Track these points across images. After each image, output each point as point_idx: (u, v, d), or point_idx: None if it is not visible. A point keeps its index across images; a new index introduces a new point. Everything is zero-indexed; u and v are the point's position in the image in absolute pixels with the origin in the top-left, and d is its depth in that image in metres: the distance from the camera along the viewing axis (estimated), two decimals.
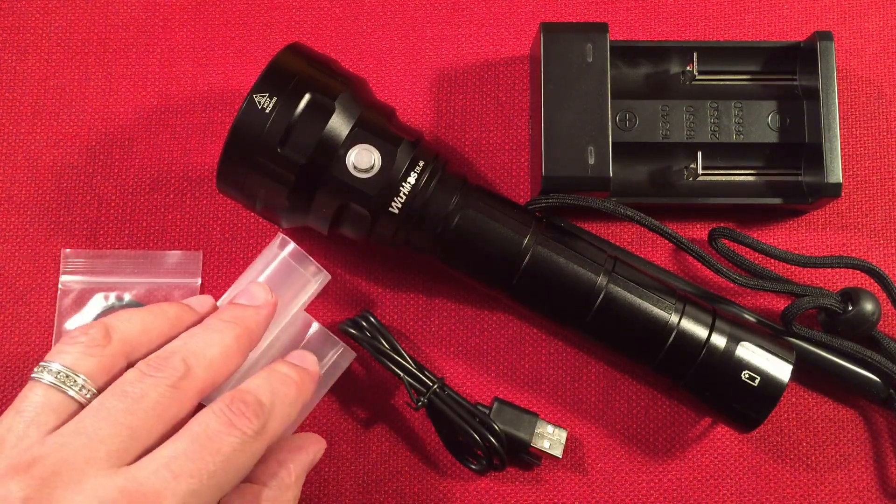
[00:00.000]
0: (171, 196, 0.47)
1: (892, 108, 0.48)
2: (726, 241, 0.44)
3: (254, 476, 0.33)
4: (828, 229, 0.47)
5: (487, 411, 0.43)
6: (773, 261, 0.44)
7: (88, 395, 0.31)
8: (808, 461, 0.45)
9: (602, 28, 0.43)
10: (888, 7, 0.49)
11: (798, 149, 0.45)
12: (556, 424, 0.43)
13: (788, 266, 0.45)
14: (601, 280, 0.40)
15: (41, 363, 0.32)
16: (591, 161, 0.42)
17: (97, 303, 0.45)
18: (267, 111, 0.37)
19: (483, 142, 0.48)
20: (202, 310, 0.38)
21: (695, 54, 0.45)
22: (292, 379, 0.35)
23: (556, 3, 0.49)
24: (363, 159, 0.38)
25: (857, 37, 0.49)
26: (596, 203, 0.41)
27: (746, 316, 0.44)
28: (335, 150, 0.38)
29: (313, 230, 0.42)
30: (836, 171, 0.43)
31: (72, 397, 0.31)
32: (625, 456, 0.45)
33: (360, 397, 0.45)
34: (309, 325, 0.42)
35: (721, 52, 0.46)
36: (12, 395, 0.44)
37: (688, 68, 0.45)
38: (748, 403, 0.40)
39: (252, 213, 0.46)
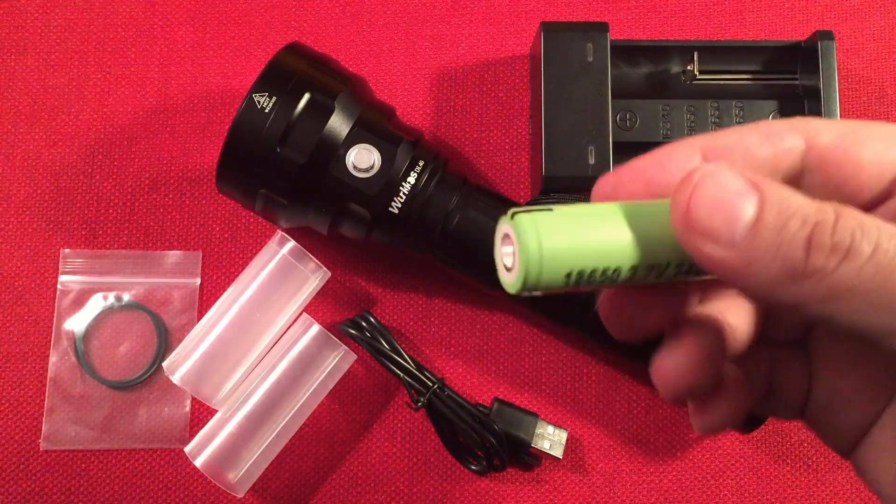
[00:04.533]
0: (171, 196, 0.46)
1: (893, 107, 0.48)
2: None
3: None
4: None
5: (487, 411, 0.42)
6: None
7: None
8: (809, 461, 0.45)
9: (602, 27, 0.43)
10: (889, 6, 0.49)
11: None
12: (557, 425, 0.43)
13: None
14: None
15: None
16: (592, 161, 0.41)
17: (96, 303, 0.45)
18: (266, 111, 0.37)
19: (483, 142, 0.47)
20: None
21: (695, 54, 0.45)
22: None
23: (557, 2, 0.49)
24: (363, 159, 0.38)
25: (858, 36, 0.49)
26: None
27: None
28: (335, 150, 0.38)
29: (313, 230, 0.42)
30: None
31: None
32: (625, 456, 0.45)
33: (360, 397, 0.45)
34: (309, 327, 0.42)
35: (722, 51, 0.46)
36: (11, 396, 0.44)
37: (688, 68, 0.45)
38: None
39: (251, 213, 0.46)
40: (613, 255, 0.22)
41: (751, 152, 0.22)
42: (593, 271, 0.21)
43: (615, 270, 0.22)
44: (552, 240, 0.21)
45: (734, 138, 0.23)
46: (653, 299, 0.25)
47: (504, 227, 0.22)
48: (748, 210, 0.20)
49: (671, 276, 0.23)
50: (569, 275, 0.21)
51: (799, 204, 0.20)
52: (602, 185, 0.24)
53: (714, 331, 0.24)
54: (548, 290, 0.22)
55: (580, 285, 0.22)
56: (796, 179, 0.23)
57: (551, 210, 0.22)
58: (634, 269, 0.22)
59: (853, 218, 0.19)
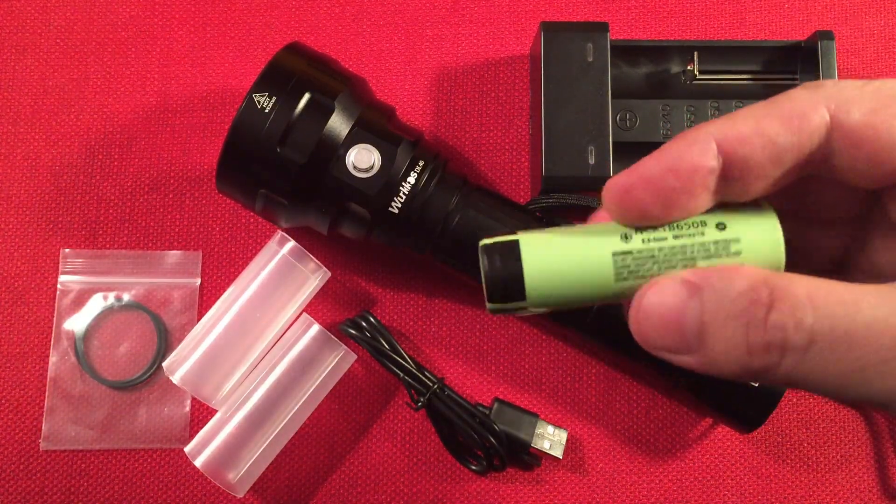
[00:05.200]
0: (171, 196, 0.46)
1: None
2: None
3: None
4: None
5: (487, 412, 0.42)
6: None
7: None
8: (809, 461, 0.45)
9: (602, 27, 0.43)
10: (889, 6, 0.49)
11: None
12: (557, 425, 0.43)
13: None
14: None
15: None
16: (592, 161, 0.41)
17: (96, 303, 0.45)
18: (266, 111, 0.37)
19: (483, 142, 0.47)
20: None
21: (695, 54, 0.45)
22: None
23: (557, 2, 0.49)
24: (363, 159, 0.38)
25: (858, 36, 0.49)
26: (596, 203, 0.41)
27: None
28: (335, 150, 0.38)
29: (313, 230, 0.42)
30: None
31: None
32: (625, 456, 0.45)
33: (360, 398, 0.45)
34: (309, 327, 0.42)
35: (722, 51, 0.46)
36: (11, 396, 0.44)
37: (688, 68, 0.45)
38: (749, 404, 0.39)
39: (251, 213, 0.46)
40: (585, 292, 0.23)
41: (772, 142, 0.21)
42: (557, 304, 0.23)
43: (589, 300, 0.23)
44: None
45: (752, 126, 0.21)
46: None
47: (480, 254, 0.23)
48: (692, 321, 0.20)
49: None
50: (535, 307, 0.23)
51: (734, 296, 0.20)
52: (611, 193, 0.22)
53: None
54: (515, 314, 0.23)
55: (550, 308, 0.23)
56: (825, 159, 0.21)
57: (520, 259, 0.23)
58: (591, 302, 0.23)
59: (786, 306, 0.19)
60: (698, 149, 0.21)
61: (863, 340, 0.19)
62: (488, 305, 0.23)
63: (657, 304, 0.21)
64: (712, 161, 0.21)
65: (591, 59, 0.42)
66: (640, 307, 0.21)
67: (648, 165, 0.21)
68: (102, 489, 0.44)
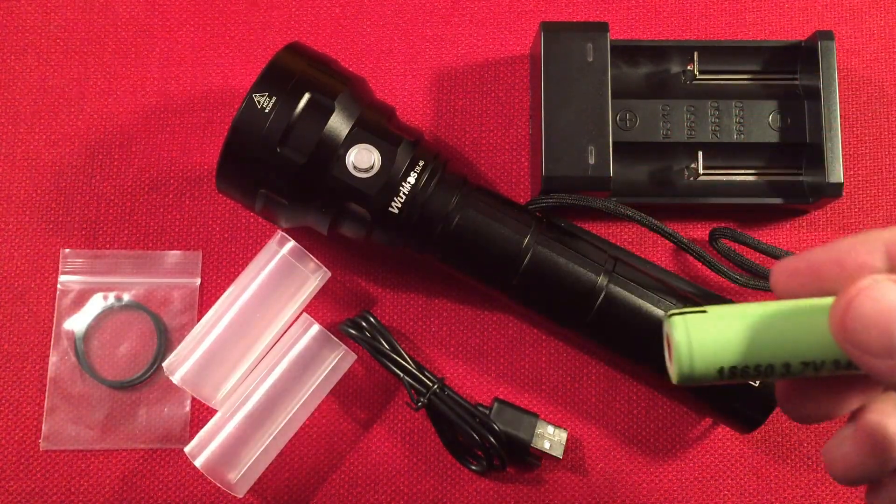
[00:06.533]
0: (171, 196, 0.46)
1: (893, 107, 0.48)
2: (727, 241, 0.44)
3: None
4: (829, 229, 0.47)
5: (487, 411, 0.42)
6: (773, 261, 0.44)
7: None
8: (809, 461, 0.45)
9: (602, 27, 0.43)
10: (889, 6, 0.49)
11: (799, 148, 0.45)
12: (557, 425, 0.43)
13: None
14: (601, 280, 0.40)
15: None
16: (592, 161, 0.41)
17: (96, 303, 0.45)
18: (266, 111, 0.37)
19: (483, 142, 0.47)
20: None
21: (695, 54, 0.45)
22: None
23: (557, 2, 0.49)
24: (363, 159, 0.38)
25: (858, 36, 0.49)
26: (596, 203, 0.41)
27: None
28: (335, 150, 0.38)
29: (313, 230, 0.42)
30: (837, 171, 0.43)
31: None
32: (625, 456, 0.45)
33: (360, 397, 0.45)
34: (309, 327, 0.42)
35: (722, 51, 0.46)
36: (11, 396, 0.44)
37: (688, 68, 0.45)
38: (749, 404, 0.39)
39: (251, 213, 0.46)
40: (763, 354, 0.23)
41: None
42: (745, 367, 0.23)
43: (768, 367, 0.23)
44: (701, 340, 0.23)
45: None
46: (828, 388, 0.24)
47: (665, 324, 0.23)
48: None
49: (830, 371, 0.23)
50: (720, 370, 0.23)
51: None
52: (777, 274, 0.23)
53: (890, 425, 0.23)
54: (704, 382, 0.23)
55: (736, 378, 0.23)
56: None
57: (705, 311, 0.23)
58: (787, 366, 0.23)
59: None
60: (867, 248, 0.22)
61: None
62: (673, 380, 0.23)
63: (874, 302, 0.20)
64: (878, 262, 0.21)
65: (591, 59, 0.42)
66: (850, 303, 0.21)
67: (817, 254, 0.22)
68: (102, 489, 0.44)
